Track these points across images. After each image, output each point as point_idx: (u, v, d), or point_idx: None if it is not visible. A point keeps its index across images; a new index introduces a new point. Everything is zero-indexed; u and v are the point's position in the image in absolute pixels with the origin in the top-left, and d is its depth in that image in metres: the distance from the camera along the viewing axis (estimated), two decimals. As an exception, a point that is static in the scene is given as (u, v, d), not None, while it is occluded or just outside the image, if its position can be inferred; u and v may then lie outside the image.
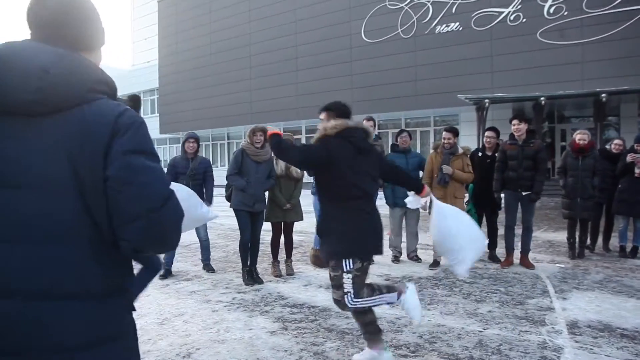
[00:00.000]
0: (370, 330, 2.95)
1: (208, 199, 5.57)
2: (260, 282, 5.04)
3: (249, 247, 5.16)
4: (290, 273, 5.42)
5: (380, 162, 3.09)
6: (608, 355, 3.01)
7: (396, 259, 5.95)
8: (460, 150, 5.64)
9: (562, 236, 7.29)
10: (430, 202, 3.31)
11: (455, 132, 5.70)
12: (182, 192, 2.53)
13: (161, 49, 28.92)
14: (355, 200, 2.84)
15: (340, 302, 2.86)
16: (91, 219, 1.09)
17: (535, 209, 5.93)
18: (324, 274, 5.33)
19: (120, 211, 1.07)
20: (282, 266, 5.54)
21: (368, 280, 2.90)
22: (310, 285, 4.91)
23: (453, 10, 18.10)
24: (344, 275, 2.78)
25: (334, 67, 20.86)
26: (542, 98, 14.33)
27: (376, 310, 3.07)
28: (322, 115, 3.03)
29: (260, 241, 5.36)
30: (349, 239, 2.79)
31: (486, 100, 15.09)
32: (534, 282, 4.95)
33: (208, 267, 5.77)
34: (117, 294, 1.17)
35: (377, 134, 6.06)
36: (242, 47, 24.01)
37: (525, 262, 5.54)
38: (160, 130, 28.59)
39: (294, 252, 6.54)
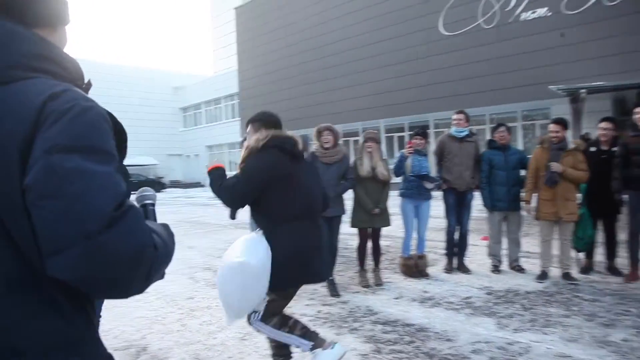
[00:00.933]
0: (281, 353, 2.78)
1: None
2: (336, 294, 4.61)
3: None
4: (379, 283, 5.00)
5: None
6: None
7: (496, 268, 5.33)
8: (572, 145, 4.91)
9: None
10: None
11: (564, 124, 4.97)
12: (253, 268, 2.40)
13: (240, 54, 29.65)
14: (295, 221, 2.56)
15: (249, 319, 2.65)
16: (13, 250, 0.79)
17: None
18: (416, 285, 4.89)
19: (44, 236, 0.75)
20: (370, 275, 5.13)
21: (292, 313, 2.75)
22: (402, 298, 4.47)
23: (541, -6, 16.68)
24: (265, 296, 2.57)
25: (412, 63, 20.11)
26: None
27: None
28: (248, 129, 2.76)
29: (345, 247, 5.03)
30: (280, 267, 2.46)
31: (582, 91, 13.63)
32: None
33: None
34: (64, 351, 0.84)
35: (470, 129, 5.48)
36: (318, 48, 23.91)
37: (634, 275, 4.71)
38: (241, 134, 29.35)
39: (381, 258, 6.17)
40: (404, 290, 4.74)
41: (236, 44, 30.03)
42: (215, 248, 7.67)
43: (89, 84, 1.01)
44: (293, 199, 2.57)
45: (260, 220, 2.66)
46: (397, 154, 5.31)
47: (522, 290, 4.58)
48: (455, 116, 5.38)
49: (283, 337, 2.58)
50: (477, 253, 6.07)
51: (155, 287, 4.89)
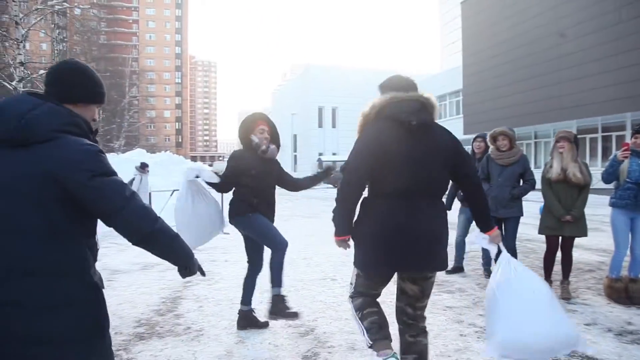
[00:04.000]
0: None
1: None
2: None
3: (489, 256, 4.98)
4: (566, 297, 4.50)
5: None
6: None
7: None
8: None
9: None
10: (499, 252, 2.56)
11: None
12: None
13: (465, 49, 28.78)
14: (384, 200, 2.34)
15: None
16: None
17: None
18: (619, 313, 4.14)
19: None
20: (557, 287, 4.62)
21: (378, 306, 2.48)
22: (595, 325, 3.84)
23: None
24: (354, 268, 2.50)
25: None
26: None
27: None
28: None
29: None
30: (369, 248, 2.37)
31: None
32: None
33: (488, 272, 5.41)
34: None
35: None
36: (549, 36, 21.42)
37: None
38: (465, 130, 28.52)
39: (587, 276, 5.40)
40: (601, 316, 4.04)
41: (461, 39, 29.24)
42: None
43: (96, 131, 1.71)
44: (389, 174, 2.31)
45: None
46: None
47: None
48: None
49: (355, 320, 2.48)
50: None
51: (345, 276, 5.33)
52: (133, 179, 10.67)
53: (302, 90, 42.03)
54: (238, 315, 3.86)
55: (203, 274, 1.81)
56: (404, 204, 2.27)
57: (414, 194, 2.28)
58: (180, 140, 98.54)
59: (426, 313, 2.58)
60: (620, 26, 18.07)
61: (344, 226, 2.38)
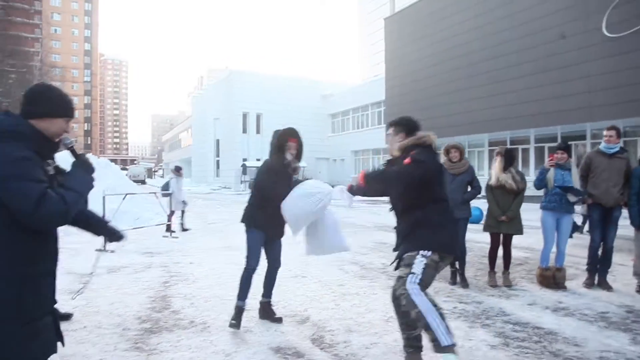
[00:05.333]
0: (413, 345, 3.07)
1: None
2: (466, 285, 5.41)
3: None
4: (508, 285, 5.44)
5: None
6: None
7: None
8: None
9: None
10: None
11: None
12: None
13: (388, 62, 30.49)
14: (444, 202, 3.11)
15: (400, 279, 2.85)
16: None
17: None
18: (551, 295, 5.09)
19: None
20: (499, 277, 5.60)
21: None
22: (535, 305, 4.73)
23: None
24: (418, 256, 2.83)
25: (567, 69, 18.68)
26: None
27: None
28: (390, 131, 3.25)
29: (483, 255, 5.43)
30: (444, 233, 2.94)
31: None
32: None
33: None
34: None
35: (622, 145, 5.44)
36: (467, 55, 23.57)
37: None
38: (386, 141, 30.15)
39: (519, 268, 6.38)
40: (538, 298, 4.97)
41: (384, 52, 30.93)
42: (362, 246, 8.48)
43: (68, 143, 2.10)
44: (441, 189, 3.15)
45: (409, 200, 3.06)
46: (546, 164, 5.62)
47: (668, 311, 4.49)
48: (606, 132, 5.37)
49: (431, 314, 2.67)
50: (624, 273, 5.91)
51: (312, 274, 5.84)
52: (168, 182, 10.88)
53: (225, 96, 41.72)
54: (259, 305, 4.28)
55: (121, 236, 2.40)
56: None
57: None
58: (89, 142, 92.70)
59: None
60: (530, 51, 20.44)
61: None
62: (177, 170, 11.32)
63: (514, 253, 5.95)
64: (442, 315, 2.73)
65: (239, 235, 9.23)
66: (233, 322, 3.96)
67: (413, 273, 2.79)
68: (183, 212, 11.04)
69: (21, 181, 1.72)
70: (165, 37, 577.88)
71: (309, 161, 39.78)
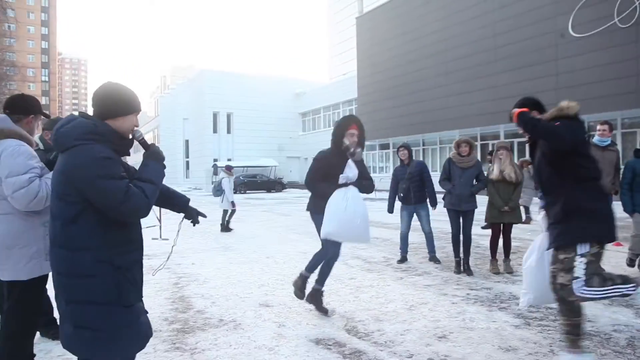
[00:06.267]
0: (576, 332, 2.84)
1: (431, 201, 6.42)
2: (470, 274, 5.70)
3: (458, 240, 5.90)
4: (510, 271, 5.77)
5: None
6: None
7: (632, 262, 5.68)
8: None
9: None
10: None
11: None
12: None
13: (359, 61, 30.88)
14: (597, 181, 2.82)
15: (565, 288, 2.70)
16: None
17: None
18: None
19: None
20: (500, 264, 5.97)
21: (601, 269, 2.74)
22: (541, 289, 5.05)
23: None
24: (577, 258, 2.66)
25: (536, 67, 19.58)
26: None
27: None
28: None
29: (482, 245, 5.72)
30: (601, 220, 2.70)
31: None
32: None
33: (434, 259, 6.45)
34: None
35: (611, 139, 5.84)
36: (439, 54, 24.21)
37: None
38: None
39: (513, 256, 6.72)
40: (543, 283, 5.29)
41: (356, 51, 31.30)
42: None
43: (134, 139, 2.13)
44: (592, 161, 2.89)
45: (562, 177, 2.85)
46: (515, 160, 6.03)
47: (662, 290, 4.88)
48: (600, 127, 5.73)
49: (610, 292, 2.72)
50: (609, 257, 6.34)
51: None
52: (221, 181, 11.07)
53: (195, 95, 41.21)
54: (312, 290, 4.36)
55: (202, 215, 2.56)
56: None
57: None
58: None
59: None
60: (499, 50, 21.18)
61: None
62: (229, 169, 11.49)
63: (501, 242, 6.20)
64: (614, 279, 2.74)
65: (226, 236, 9.40)
66: (298, 292, 4.35)
67: (577, 278, 2.70)
68: (234, 211, 11.26)
69: (106, 180, 1.84)
70: (125, 35, 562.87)
71: (280, 160, 39.93)
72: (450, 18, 23.88)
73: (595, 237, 2.69)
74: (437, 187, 6.29)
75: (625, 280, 2.69)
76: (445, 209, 6.07)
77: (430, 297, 4.83)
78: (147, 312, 2.15)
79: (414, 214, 6.63)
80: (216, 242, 9.38)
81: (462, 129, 23.34)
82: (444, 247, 7.77)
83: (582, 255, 2.66)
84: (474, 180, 5.87)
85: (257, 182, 33.81)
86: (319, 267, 4.37)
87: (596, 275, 2.68)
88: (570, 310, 2.80)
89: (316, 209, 4.20)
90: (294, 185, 36.86)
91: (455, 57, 23.29)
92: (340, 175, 4.10)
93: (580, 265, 2.66)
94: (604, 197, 2.83)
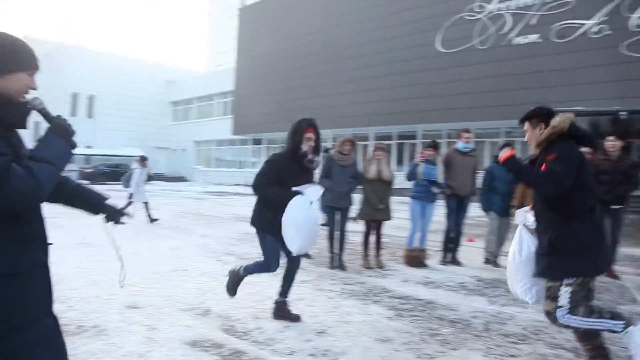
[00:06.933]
0: (599, 354, 2.79)
1: None
2: (344, 269, 5.86)
3: (334, 237, 6.04)
4: (380, 266, 6.07)
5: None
6: None
7: (488, 261, 6.33)
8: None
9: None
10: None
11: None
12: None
13: (240, 53, 30.30)
14: (592, 212, 2.75)
15: (550, 315, 2.75)
16: None
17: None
18: (418, 272, 5.83)
19: None
20: (372, 259, 6.22)
21: (590, 301, 2.72)
22: (409, 281, 5.39)
23: (532, 22, 17.95)
24: (563, 287, 2.67)
25: (408, 76, 21.11)
26: (622, 113, 14.02)
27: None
28: (526, 127, 2.96)
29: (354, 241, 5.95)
30: (589, 254, 2.68)
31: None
32: (622, 291, 5.19)
33: (305, 254, 6.51)
34: None
35: (473, 146, 6.46)
36: (320, 53, 24.78)
37: (611, 274, 5.72)
38: (234, 131, 29.98)
39: (382, 252, 7.09)
40: (409, 275, 5.67)
41: (237, 42, 30.68)
42: (229, 237, 8.45)
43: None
44: (590, 190, 2.75)
45: (555, 211, 2.74)
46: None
47: (504, 279, 5.47)
48: (465, 135, 6.30)
49: (595, 324, 2.63)
50: (465, 252, 7.03)
51: (191, 267, 5.70)
52: (131, 173, 10.05)
53: (51, 72, 36.47)
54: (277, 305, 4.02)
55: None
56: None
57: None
58: None
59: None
60: (379, 56, 22.37)
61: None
62: (143, 160, 10.51)
63: (373, 239, 6.50)
64: (601, 312, 2.66)
65: (86, 229, 8.53)
66: (230, 288, 4.09)
67: (561, 306, 2.69)
68: (147, 203, 10.32)
69: None
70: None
71: (147, 150, 37.38)
72: (333, 19, 24.58)
73: (580, 274, 2.68)
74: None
75: (614, 316, 2.64)
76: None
77: (307, 292, 4.85)
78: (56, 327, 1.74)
79: None
80: (73, 237, 8.42)
81: (339, 128, 24.23)
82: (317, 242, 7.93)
83: (567, 285, 2.67)
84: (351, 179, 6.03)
85: (120, 173, 31.33)
86: (283, 277, 4.07)
87: (582, 306, 2.66)
88: (585, 334, 2.81)
89: (263, 225, 3.80)
90: (161, 177, 34.88)
91: (336, 58, 24.06)
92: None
93: (565, 295, 2.67)
94: (595, 229, 2.79)
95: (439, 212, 6.55)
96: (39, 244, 1.70)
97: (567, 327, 2.73)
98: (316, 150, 3.80)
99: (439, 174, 6.11)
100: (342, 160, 5.94)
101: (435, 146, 6.27)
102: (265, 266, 3.93)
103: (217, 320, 3.96)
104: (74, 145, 1.67)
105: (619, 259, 6.18)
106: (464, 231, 6.62)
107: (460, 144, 6.31)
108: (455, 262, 6.32)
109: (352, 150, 5.98)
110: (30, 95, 1.65)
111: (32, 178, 1.47)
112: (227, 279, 4.19)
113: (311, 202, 3.58)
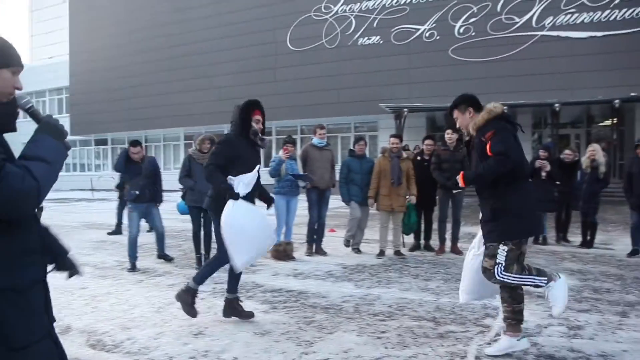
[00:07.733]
0: (516, 317, 3.13)
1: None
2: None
3: (199, 237, 5.95)
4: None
5: None
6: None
7: (349, 244, 6.75)
8: (405, 155, 6.57)
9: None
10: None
11: (401, 138, 6.67)
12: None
13: (72, 46, 27.40)
14: (524, 180, 3.18)
15: (488, 272, 3.05)
16: None
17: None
18: (286, 265, 6.00)
19: None
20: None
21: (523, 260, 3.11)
22: (279, 274, 5.51)
23: (374, 25, 19.49)
24: (500, 246, 3.00)
25: (258, 73, 21.30)
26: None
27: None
28: (456, 114, 3.32)
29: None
30: (524, 218, 3.05)
31: (405, 110, 16.58)
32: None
33: (165, 257, 6.27)
34: None
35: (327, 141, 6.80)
36: (162, 49, 23.60)
37: (455, 250, 6.57)
38: (73, 131, 27.05)
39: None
40: (278, 269, 5.79)
41: (69, 34, 27.70)
42: (81, 247, 7.67)
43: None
44: (521, 162, 3.13)
45: (494, 184, 3.07)
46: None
47: (367, 264, 6.01)
48: (320, 131, 6.59)
49: (525, 280, 2.99)
50: (328, 242, 7.41)
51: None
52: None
53: None
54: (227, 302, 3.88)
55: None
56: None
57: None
58: None
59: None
60: (225, 53, 21.98)
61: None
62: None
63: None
64: (530, 269, 3.03)
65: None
66: (188, 308, 3.78)
67: (498, 263, 2.99)
68: None
69: None
70: None
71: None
72: (173, 14, 23.57)
73: (517, 235, 3.05)
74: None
75: (539, 272, 3.04)
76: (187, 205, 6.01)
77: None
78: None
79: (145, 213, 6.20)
80: None
81: (187, 127, 23.45)
82: (180, 245, 7.64)
83: (504, 244, 3.00)
84: None
85: None
86: (229, 274, 3.88)
87: (516, 263, 3.01)
88: (511, 298, 3.13)
89: (219, 210, 3.62)
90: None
91: (178, 55, 23.15)
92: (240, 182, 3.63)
93: (502, 253, 2.99)
94: (529, 195, 3.16)
95: (301, 205, 6.81)
96: (37, 257, 1.54)
97: (501, 282, 3.05)
98: (263, 132, 3.90)
99: (299, 169, 6.34)
100: (202, 159, 5.75)
101: (293, 142, 6.47)
102: (218, 261, 3.87)
103: (80, 336, 3.60)
104: (68, 147, 1.56)
105: (461, 236, 7.06)
106: (326, 222, 6.95)
107: (315, 140, 6.61)
108: (320, 252, 6.62)
109: (211, 148, 5.81)
110: (17, 95, 1.53)
111: (29, 176, 1.35)
112: (180, 304, 3.83)
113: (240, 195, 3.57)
